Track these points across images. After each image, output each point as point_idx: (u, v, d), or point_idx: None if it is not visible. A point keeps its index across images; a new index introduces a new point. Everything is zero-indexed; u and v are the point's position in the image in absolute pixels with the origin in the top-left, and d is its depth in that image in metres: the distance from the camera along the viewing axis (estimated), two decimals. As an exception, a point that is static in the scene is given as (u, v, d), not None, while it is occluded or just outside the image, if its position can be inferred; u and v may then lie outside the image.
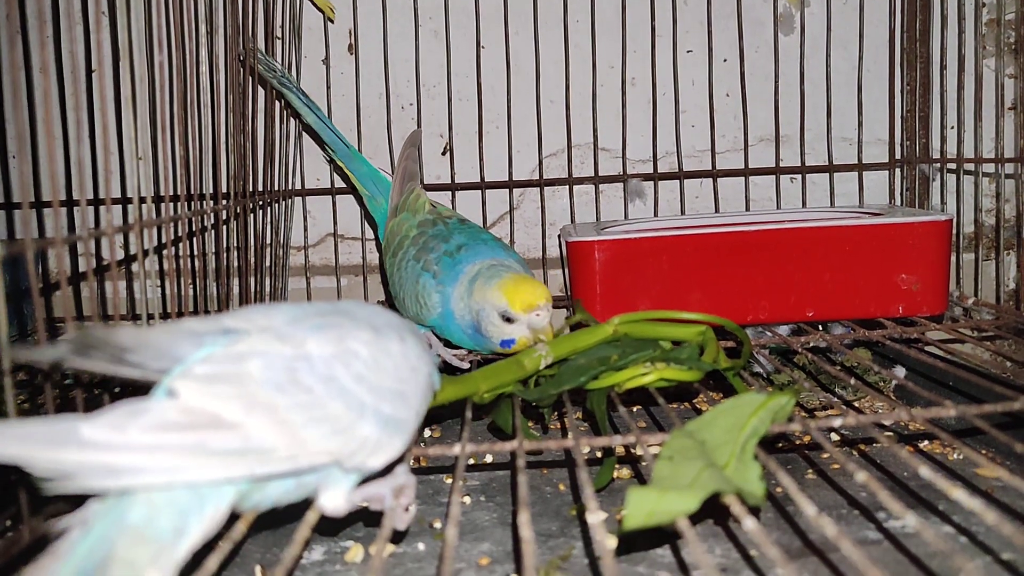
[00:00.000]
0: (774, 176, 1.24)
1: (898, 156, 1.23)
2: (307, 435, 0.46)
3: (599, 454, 0.88)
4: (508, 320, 0.80)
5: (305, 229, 1.25)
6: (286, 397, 0.46)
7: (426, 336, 0.95)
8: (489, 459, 0.87)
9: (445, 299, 0.86)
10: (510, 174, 1.23)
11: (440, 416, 1.03)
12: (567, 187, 1.24)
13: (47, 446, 0.40)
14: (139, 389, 0.48)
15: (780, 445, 0.88)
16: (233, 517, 0.48)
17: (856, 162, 1.23)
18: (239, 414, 0.44)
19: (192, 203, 0.83)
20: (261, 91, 1.11)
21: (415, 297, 0.89)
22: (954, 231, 1.01)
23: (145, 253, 0.73)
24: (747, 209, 1.23)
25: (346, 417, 0.48)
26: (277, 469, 0.45)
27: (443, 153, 1.25)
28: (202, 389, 0.45)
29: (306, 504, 0.52)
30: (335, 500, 0.51)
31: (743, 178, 1.24)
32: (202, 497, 0.45)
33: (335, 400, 0.47)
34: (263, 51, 1.07)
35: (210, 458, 0.43)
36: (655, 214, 1.23)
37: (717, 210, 1.24)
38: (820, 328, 0.97)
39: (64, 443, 0.41)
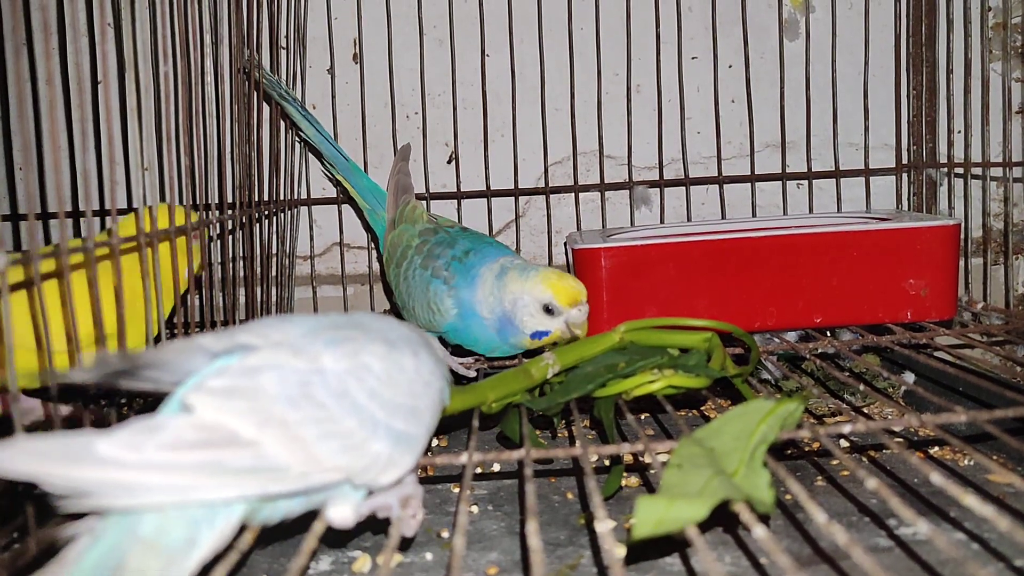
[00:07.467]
0: (780, 182, 1.23)
1: (905, 161, 1.23)
2: (319, 451, 0.45)
3: (607, 462, 0.87)
4: (549, 312, 0.83)
5: (311, 238, 1.25)
6: (299, 412, 0.45)
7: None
8: (496, 468, 0.87)
9: (460, 302, 0.87)
10: (516, 182, 1.23)
11: (448, 426, 1.03)
12: (573, 195, 1.24)
13: (63, 463, 0.40)
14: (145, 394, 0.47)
15: (789, 452, 0.87)
16: (240, 528, 0.48)
17: (863, 167, 1.23)
18: (254, 430, 0.44)
19: (198, 213, 0.83)
20: (266, 101, 1.11)
21: (426, 304, 0.89)
22: (962, 236, 1.00)
23: (151, 263, 0.73)
24: (754, 215, 1.23)
25: (359, 434, 0.47)
26: (290, 487, 0.45)
27: (449, 162, 1.25)
28: (217, 404, 0.44)
29: (313, 514, 0.51)
30: (343, 513, 0.51)
31: (749, 184, 1.23)
32: (214, 509, 0.44)
33: (348, 416, 0.47)
34: (267, 68, 1.07)
35: (225, 476, 0.43)
36: (661, 221, 1.22)
37: (724, 216, 1.24)
38: (828, 334, 0.96)
39: (80, 460, 0.40)
